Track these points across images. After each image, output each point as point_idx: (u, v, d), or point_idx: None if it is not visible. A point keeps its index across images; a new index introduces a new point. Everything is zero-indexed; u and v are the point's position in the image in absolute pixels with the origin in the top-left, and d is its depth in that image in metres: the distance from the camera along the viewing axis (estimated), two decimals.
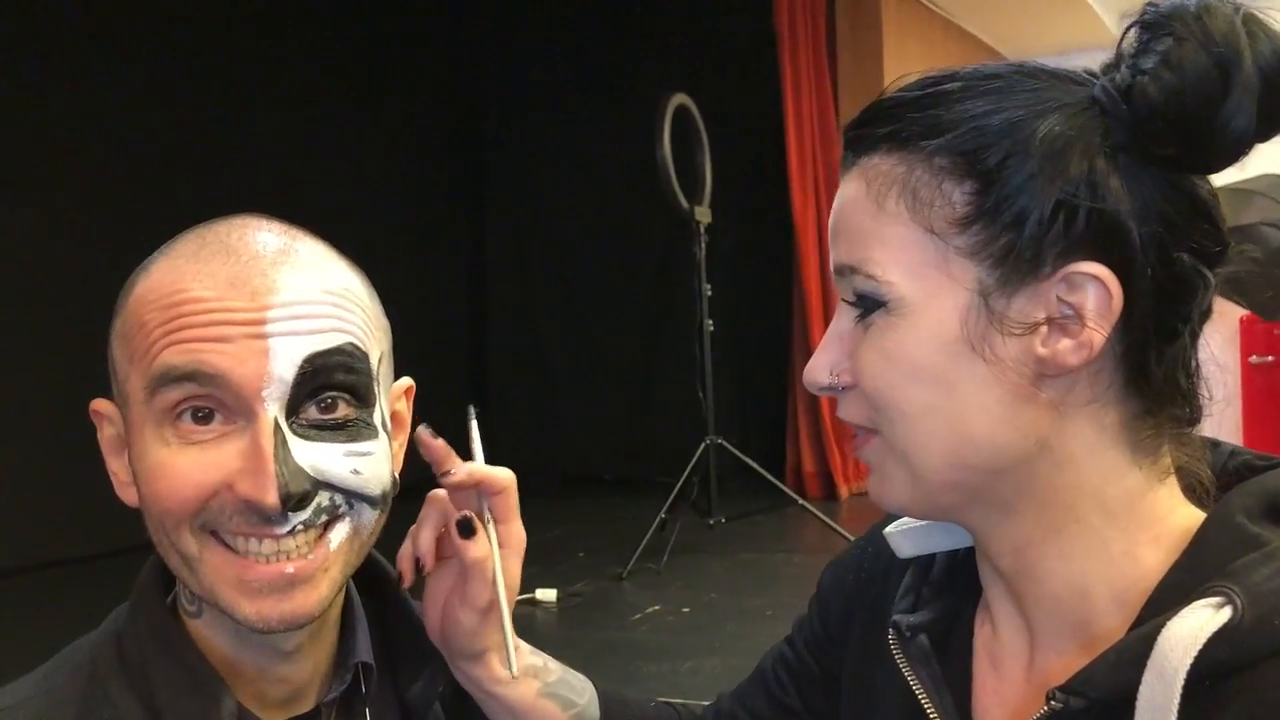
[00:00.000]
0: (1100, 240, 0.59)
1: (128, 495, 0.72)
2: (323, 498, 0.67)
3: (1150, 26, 0.60)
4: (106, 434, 0.74)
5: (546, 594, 3.49)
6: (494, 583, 0.76)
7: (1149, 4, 0.60)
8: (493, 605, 0.76)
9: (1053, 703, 0.60)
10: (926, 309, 0.62)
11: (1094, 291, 0.59)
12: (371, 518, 0.71)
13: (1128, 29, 0.61)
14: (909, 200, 0.63)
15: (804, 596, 0.91)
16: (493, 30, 7.08)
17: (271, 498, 0.63)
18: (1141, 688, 0.55)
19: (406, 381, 0.81)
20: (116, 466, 0.73)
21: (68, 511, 4.29)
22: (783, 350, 5.83)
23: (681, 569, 3.93)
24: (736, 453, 4.39)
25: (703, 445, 4.37)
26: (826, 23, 5.79)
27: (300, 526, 0.67)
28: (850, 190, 0.66)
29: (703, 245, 4.56)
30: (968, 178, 0.61)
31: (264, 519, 0.65)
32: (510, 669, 0.77)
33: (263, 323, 0.66)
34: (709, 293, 4.57)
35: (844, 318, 0.67)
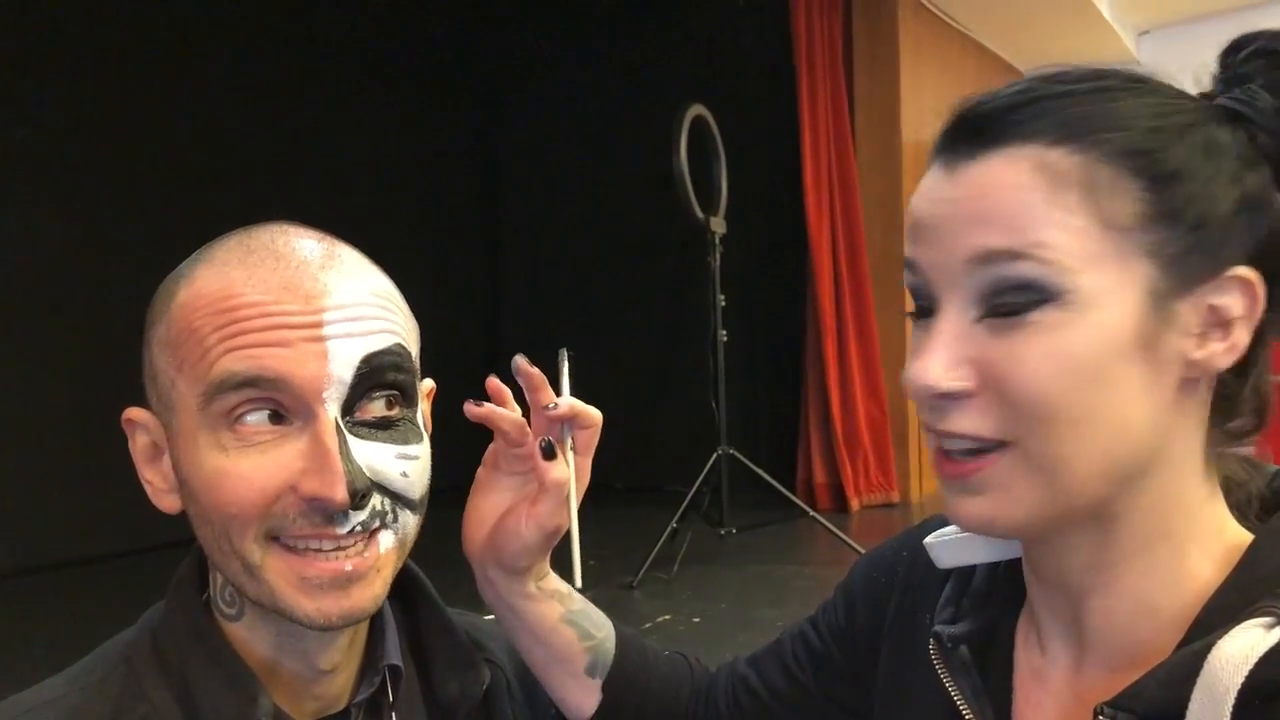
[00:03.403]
0: (1262, 247, 0.61)
1: (166, 503, 0.72)
2: (375, 501, 0.69)
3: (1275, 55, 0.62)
4: (140, 442, 0.73)
5: None
6: (568, 505, 0.79)
7: (1260, 32, 0.63)
8: (557, 528, 0.80)
9: (1100, 718, 0.59)
10: (1103, 306, 0.58)
11: (1242, 294, 0.60)
12: (413, 524, 0.73)
13: (1245, 56, 0.63)
14: (1084, 192, 0.59)
15: (815, 608, 0.92)
16: (511, 40, 7.11)
17: (341, 493, 0.64)
18: (1191, 705, 0.54)
19: (429, 383, 0.82)
20: (151, 474, 0.73)
21: (101, 509, 4.33)
22: (796, 362, 5.82)
23: (692, 579, 3.92)
24: (748, 463, 4.39)
25: (715, 455, 4.38)
26: (844, 36, 5.80)
27: (358, 528, 0.68)
28: (1007, 175, 0.60)
29: (717, 256, 4.56)
30: (1146, 176, 0.60)
31: (327, 518, 0.66)
32: (575, 582, 0.82)
33: (319, 325, 0.66)
34: (723, 303, 4.58)
35: (960, 316, 0.61)
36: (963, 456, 0.62)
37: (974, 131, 0.62)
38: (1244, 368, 0.63)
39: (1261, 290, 0.60)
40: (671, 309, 6.42)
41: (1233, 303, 0.60)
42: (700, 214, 4.52)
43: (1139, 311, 0.59)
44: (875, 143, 5.74)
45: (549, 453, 0.78)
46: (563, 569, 0.86)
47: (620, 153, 6.35)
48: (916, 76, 5.88)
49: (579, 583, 0.82)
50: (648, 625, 3.33)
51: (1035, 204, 0.59)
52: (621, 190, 6.44)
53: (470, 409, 0.79)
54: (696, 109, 4.55)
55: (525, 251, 7.15)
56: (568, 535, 0.81)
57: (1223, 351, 0.61)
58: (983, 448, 0.61)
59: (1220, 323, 0.61)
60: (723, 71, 6.13)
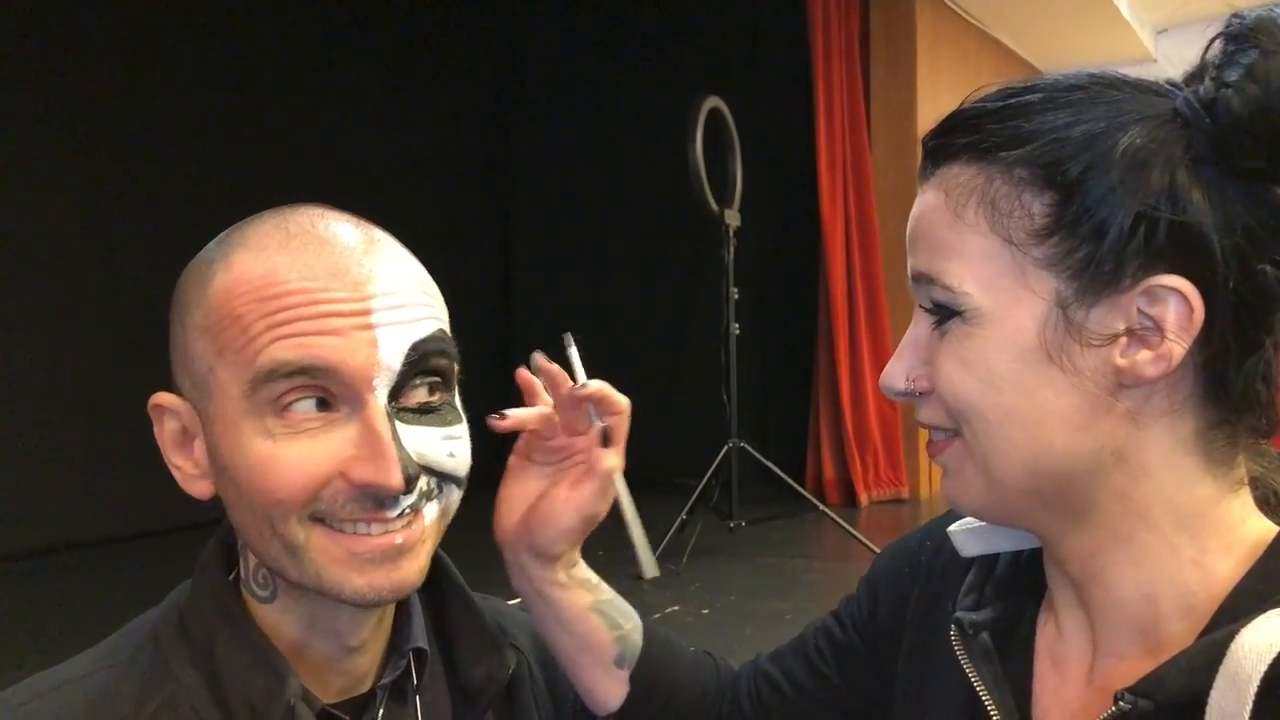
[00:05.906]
0: (1181, 253, 0.59)
1: (197, 488, 0.71)
2: (423, 482, 0.69)
3: (1235, 38, 0.59)
4: (168, 428, 0.72)
5: None
6: (616, 494, 0.81)
7: (1234, 15, 0.60)
8: (596, 514, 0.82)
9: (1121, 703, 0.60)
10: (1004, 319, 0.62)
11: (1175, 305, 0.59)
12: (456, 496, 0.73)
13: (1212, 40, 0.61)
14: (988, 211, 0.63)
15: (823, 602, 0.92)
16: (525, 30, 7.11)
17: (396, 480, 0.64)
18: (1213, 693, 0.55)
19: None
20: (180, 460, 0.72)
21: (120, 490, 4.39)
22: (807, 356, 5.83)
23: (701, 571, 3.93)
24: (759, 457, 4.39)
25: (725, 448, 4.39)
26: (861, 29, 5.79)
27: (408, 510, 0.68)
28: (929, 199, 0.67)
29: (731, 249, 4.56)
30: (1048, 189, 0.61)
31: (378, 504, 0.66)
32: (643, 570, 0.83)
33: (368, 313, 0.66)
34: (736, 296, 4.58)
35: (921, 324, 0.68)
36: (935, 439, 0.69)
37: (926, 153, 0.68)
38: (1241, 366, 0.61)
39: (1198, 301, 0.59)
40: (684, 301, 6.42)
41: (1163, 312, 0.60)
42: (715, 207, 4.52)
43: (1041, 321, 0.62)
44: (891, 137, 5.73)
45: (606, 440, 0.80)
46: (622, 563, 0.87)
47: (635, 144, 6.35)
48: (933, 70, 5.86)
49: (648, 572, 0.83)
50: (656, 616, 3.34)
51: (944, 229, 0.65)
52: (636, 182, 6.43)
53: (495, 424, 0.79)
54: (712, 101, 4.55)
55: (538, 243, 7.15)
56: (625, 528, 0.82)
57: (1150, 360, 0.60)
58: (948, 434, 0.68)
59: (1148, 331, 0.60)
60: (739, 64, 6.13)
